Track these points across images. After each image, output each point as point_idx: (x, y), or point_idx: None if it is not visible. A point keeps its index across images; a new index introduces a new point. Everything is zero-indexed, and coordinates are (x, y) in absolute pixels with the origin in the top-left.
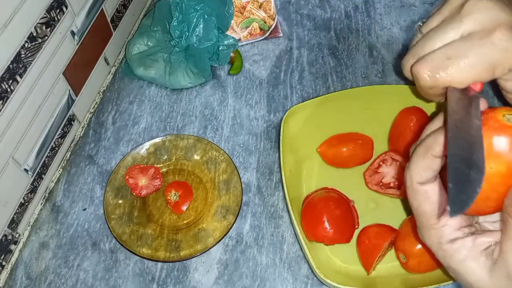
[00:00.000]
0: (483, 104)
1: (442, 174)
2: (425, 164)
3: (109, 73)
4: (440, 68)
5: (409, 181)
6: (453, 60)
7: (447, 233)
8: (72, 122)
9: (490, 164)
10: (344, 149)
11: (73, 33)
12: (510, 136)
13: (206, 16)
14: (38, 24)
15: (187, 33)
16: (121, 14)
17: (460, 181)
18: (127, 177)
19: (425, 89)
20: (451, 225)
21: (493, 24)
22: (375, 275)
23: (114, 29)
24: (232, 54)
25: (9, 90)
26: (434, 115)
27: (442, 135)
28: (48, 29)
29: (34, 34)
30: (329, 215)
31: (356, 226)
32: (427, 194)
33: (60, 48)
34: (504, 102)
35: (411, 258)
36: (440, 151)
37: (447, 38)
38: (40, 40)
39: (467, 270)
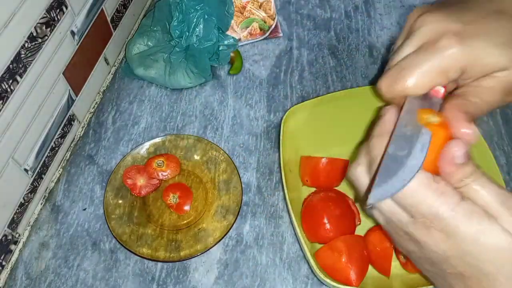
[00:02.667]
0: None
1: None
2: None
3: (109, 73)
4: (395, 80)
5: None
6: (406, 70)
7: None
8: (72, 122)
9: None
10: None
11: (73, 33)
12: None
13: (206, 16)
14: (38, 24)
15: (187, 33)
16: (121, 14)
17: (388, 175)
18: (125, 178)
19: (390, 101)
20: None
21: (439, 33)
22: (375, 275)
23: (114, 29)
24: (232, 54)
25: (9, 90)
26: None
27: (385, 139)
28: (48, 29)
29: (34, 34)
30: (329, 215)
31: (358, 223)
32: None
33: (60, 48)
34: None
35: None
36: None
37: (404, 53)
38: (40, 40)
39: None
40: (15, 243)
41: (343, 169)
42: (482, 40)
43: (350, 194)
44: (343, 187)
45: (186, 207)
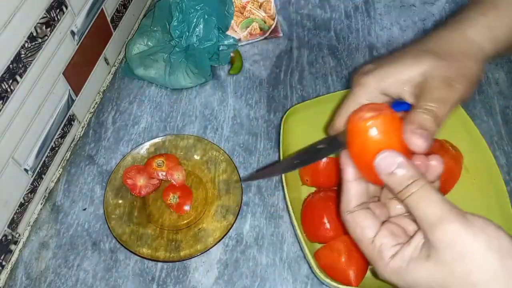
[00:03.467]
0: None
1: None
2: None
3: (109, 73)
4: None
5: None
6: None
7: (385, 251)
8: (72, 122)
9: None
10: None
11: (73, 33)
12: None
13: (206, 16)
14: (38, 24)
15: (187, 33)
16: (121, 14)
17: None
18: (125, 178)
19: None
20: (386, 242)
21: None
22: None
23: (114, 29)
24: (232, 54)
25: (9, 90)
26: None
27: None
28: (48, 29)
29: (34, 34)
30: (329, 215)
31: None
32: (355, 220)
33: (60, 48)
34: None
35: None
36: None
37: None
38: (40, 40)
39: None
40: (15, 243)
41: None
42: (392, 66)
43: None
44: None
45: (186, 207)
